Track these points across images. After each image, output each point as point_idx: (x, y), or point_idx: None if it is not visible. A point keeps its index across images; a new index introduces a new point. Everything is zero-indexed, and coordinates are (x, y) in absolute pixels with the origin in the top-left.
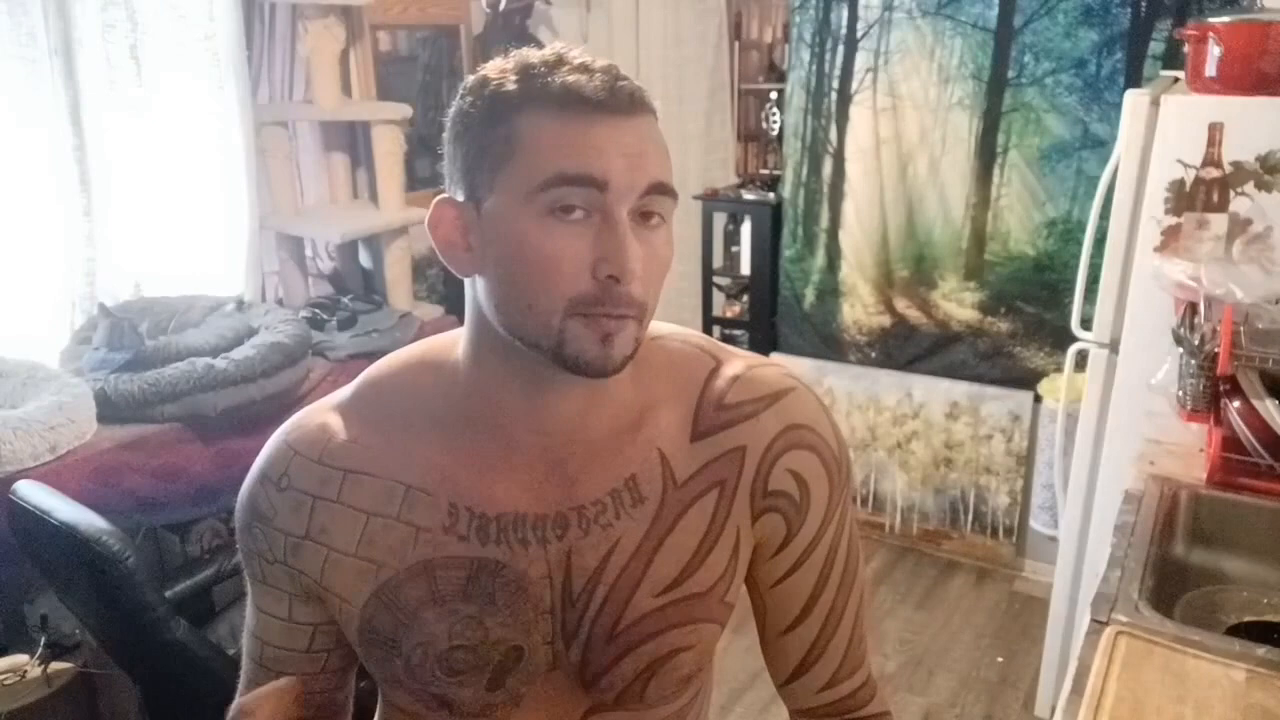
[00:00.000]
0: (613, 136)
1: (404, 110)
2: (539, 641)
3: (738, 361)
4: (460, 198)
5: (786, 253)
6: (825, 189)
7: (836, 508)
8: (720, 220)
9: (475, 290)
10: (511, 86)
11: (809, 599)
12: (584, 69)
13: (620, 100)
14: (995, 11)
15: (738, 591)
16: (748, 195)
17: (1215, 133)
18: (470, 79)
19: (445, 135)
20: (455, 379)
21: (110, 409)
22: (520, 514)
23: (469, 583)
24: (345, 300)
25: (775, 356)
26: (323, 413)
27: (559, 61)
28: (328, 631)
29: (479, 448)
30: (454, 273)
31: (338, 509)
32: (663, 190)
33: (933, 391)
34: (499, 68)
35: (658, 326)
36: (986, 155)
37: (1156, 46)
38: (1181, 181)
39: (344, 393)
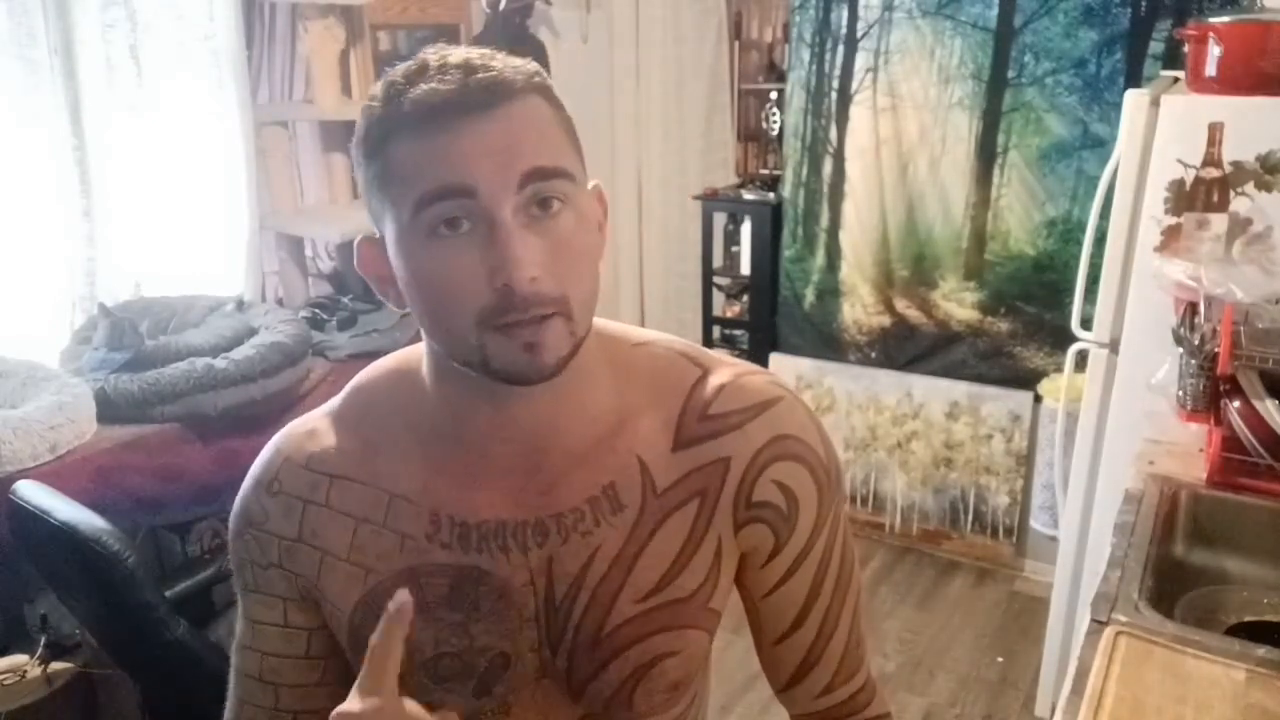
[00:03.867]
0: (473, 138)
1: None
2: (525, 649)
3: (724, 370)
4: (376, 234)
5: (786, 253)
6: (825, 189)
7: (827, 517)
8: (720, 220)
9: None
10: (378, 114)
11: (802, 608)
12: (440, 71)
13: (475, 96)
14: (995, 11)
15: (723, 598)
16: (748, 195)
17: (1215, 133)
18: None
19: None
20: (425, 391)
21: (110, 409)
22: (501, 521)
23: (452, 590)
24: (345, 300)
25: (775, 356)
26: (313, 420)
27: (419, 72)
28: (324, 636)
29: (455, 458)
30: (393, 307)
31: (327, 513)
32: (545, 175)
33: (933, 391)
34: (372, 94)
35: (643, 332)
36: (986, 155)
37: (1156, 46)
38: (1181, 181)
39: (335, 400)
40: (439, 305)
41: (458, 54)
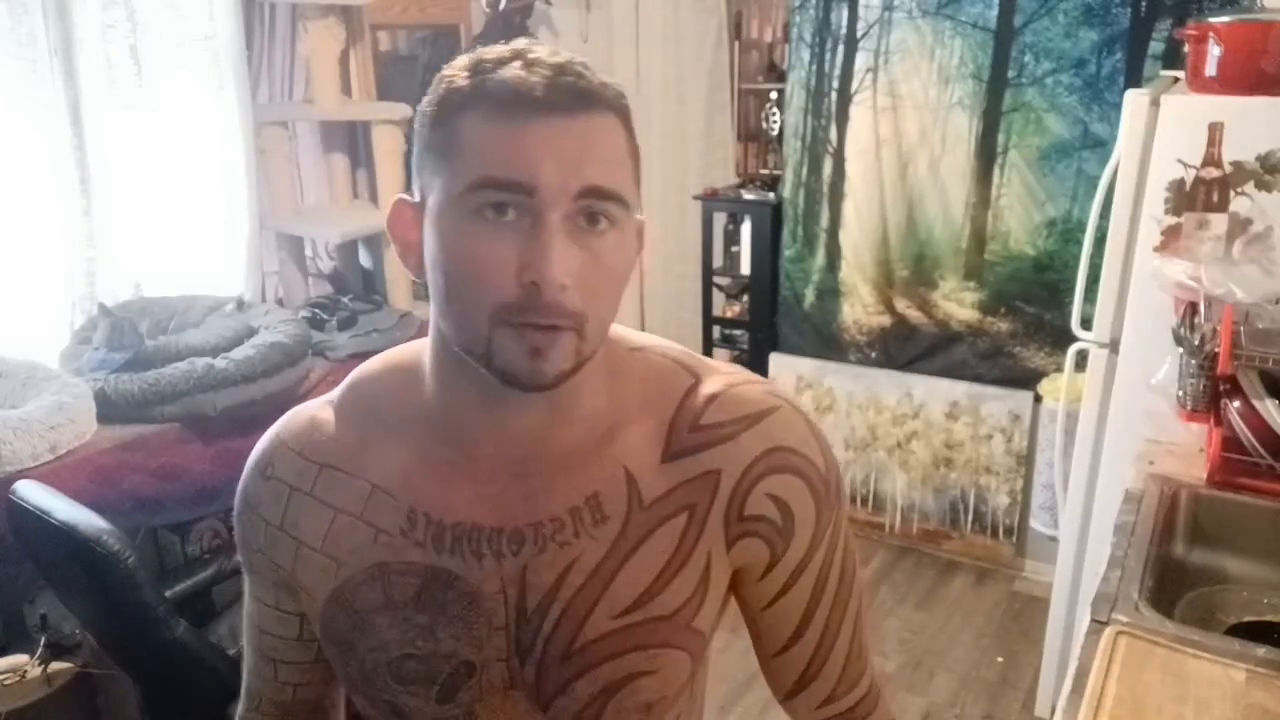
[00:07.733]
0: (547, 137)
1: (404, 110)
2: (492, 658)
3: (718, 378)
4: (415, 197)
5: (786, 253)
6: (825, 189)
7: (826, 529)
8: (720, 220)
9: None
10: (461, 84)
11: (801, 620)
12: (533, 64)
13: (561, 98)
14: (995, 11)
15: (710, 618)
16: (748, 195)
17: (1215, 133)
18: (435, 77)
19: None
20: (424, 386)
21: (110, 409)
22: (477, 525)
23: (422, 591)
24: (345, 300)
25: (775, 356)
26: (314, 408)
27: (512, 57)
28: None
29: (443, 454)
30: (410, 274)
31: (310, 502)
32: (602, 195)
33: (933, 391)
34: (457, 64)
35: (640, 337)
36: (986, 155)
37: (1156, 46)
38: (1181, 181)
39: (337, 390)
40: (461, 285)
41: (554, 54)
